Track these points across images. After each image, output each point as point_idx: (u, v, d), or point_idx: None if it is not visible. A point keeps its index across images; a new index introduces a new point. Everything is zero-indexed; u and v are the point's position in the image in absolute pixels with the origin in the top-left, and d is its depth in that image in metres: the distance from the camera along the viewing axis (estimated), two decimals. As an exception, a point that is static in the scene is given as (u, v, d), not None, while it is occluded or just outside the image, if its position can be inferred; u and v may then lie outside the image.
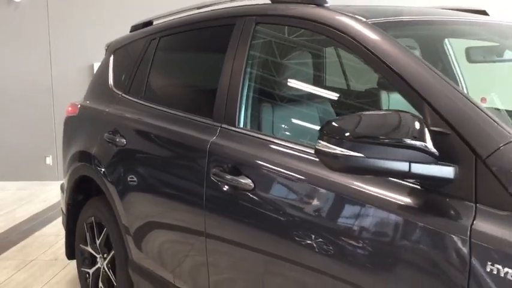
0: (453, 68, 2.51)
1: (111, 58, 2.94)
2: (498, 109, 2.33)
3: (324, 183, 1.49)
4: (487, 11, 2.40)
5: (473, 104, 1.28)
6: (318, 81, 2.07)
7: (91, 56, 5.43)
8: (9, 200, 5.38)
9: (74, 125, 3.01)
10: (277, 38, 2.05)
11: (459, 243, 1.16)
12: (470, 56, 2.23)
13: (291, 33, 1.99)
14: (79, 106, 2.99)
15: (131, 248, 2.44)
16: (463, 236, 1.15)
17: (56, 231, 4.32)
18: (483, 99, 2.68)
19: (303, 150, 1.61)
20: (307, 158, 1.57)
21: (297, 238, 1.55)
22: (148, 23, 2.83)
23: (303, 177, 1.57)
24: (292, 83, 2.05)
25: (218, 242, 1.89)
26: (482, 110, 1.27)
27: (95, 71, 3.47)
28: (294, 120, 1.95)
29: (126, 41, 2.89)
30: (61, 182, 3.28)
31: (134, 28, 2.93)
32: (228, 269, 1.89)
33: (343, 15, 1.67)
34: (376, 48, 1.50)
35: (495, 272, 1.09)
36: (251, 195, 1.71)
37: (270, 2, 1.99)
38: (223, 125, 1.93)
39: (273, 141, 1.75)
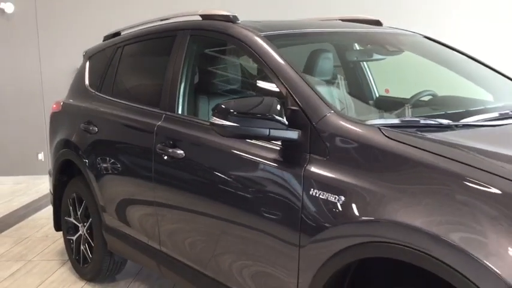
0: (363, 67, 3.16)
1: (87, 63, 3.57)
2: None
3: (225, 148, 2.12)
4: (380, 21, 3.03)
5: (313, 90, 1.91)
6: (236, 78, 2.70)
7: (77, 61, 6.00)
8: (7, 192, 5.98)
9: (58, 119, 3.63)
10: (205, 46, 2.69)
11: (298, 179, 1.79)
12: (346, 56, 2.85)
13: (216, 42, 2.63)
14: (62, 103, 3.62)
15: (104, 216, 3.07)
16: (299, 174, 1.79)
17: (46, 215, 4.90)
18: (386, 90, 3.33)
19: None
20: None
21: (214, 192, 2.19)
22: (117, 34, 3.45)
23: (214, 146, 2.20)
24: (218, 79, 2.69)
25: (163, 202, 2.51)
26: (318, 95, 1.89)
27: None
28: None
29: (99, 48, 3.52)
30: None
31: (106, 38, 3.55)
32: (171, 226, 2.51)
33: (245, 29, 2.29)
34: (261, 53, 2.13)
35: (314, 194, 1.72)
36: (182, 162, 2.35)
37: (201, 18, 2.62)
38: (167, 112, 2.56)
39: (198, 122, 2.39)
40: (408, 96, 2.56)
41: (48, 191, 5.73)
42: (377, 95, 3.19)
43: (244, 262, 2.10)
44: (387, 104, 2.96)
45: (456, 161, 1.48)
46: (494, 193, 1.35)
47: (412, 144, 1.59)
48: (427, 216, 1.42)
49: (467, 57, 2.79)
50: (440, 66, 2.84)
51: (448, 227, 1.37)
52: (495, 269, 1.25)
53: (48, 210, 4.99)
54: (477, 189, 1.38)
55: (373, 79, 3.25)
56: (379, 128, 1.70)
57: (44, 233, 4.44)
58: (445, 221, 1.39)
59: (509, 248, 1.26)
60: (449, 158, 1.50)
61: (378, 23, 3.01)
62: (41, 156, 6.57)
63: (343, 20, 3.07)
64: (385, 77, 3.39)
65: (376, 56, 2.81)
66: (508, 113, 2.07)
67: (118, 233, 2.97)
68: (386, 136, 1.64)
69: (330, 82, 2.40)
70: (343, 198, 1.63)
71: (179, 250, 2.50)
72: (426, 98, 2.56)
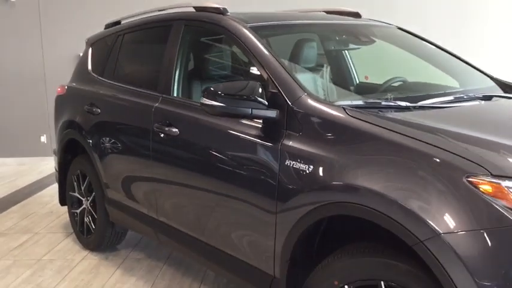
0: (345, 56, 3.44)
1: (90, 49, 3.83)
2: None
3: (214, 126, 2.41)
4: (359, 13, 3.30)
5: (290, 75, 2.19)
6: (226, 64, 2.98)
7: (77, 47, 6.26)
8: (12, 172, 6.27)
9: (62, 102, 3.90)
10: (198, 35, 2.96)
11: (275, 152, 2.08)
12: (325, 46, 3.12)
13: (208, 32, 2.90)
14: (66, 87, 3.89)
15: (107, 190, 3.36)
16: (277, 148, 2.07)
17: (50, 194, 5.19)
18: (366, 77, 3.61)
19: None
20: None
21: (205, 165, 2.48)
22: (117, 22, 3.72)
23: (205, 124, 2.48)
24: (209, 65, 2.97)
25: (160, 175, 2.81)
26: (294, 79, 2.17)
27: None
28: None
29: (101, 36, 3.78)
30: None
31: (107, 26, 3.81)
32: (168, 197, 2.80)
33: (233, 21, 2.56)
34: (246, 42, 2.41)
35: (288, 164, 2.01)
36: (177, 140, 2.64)
37: (194, 10, 2.89)
38: (163, 95, 2.84)
39: (191, 103, 2.67)
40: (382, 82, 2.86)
41: (51, 171, 6.07)
42: (357, 81, 3.48)
43: (232, 228, 2.40)
44: (364, 89, 3.24)
45: (407, 136, 1.76)
46: (438, 163, 1.63)
47: (370, 121, 1.88)
48: (391, 187, 1.70)
49: (437, 47, 3.07)
50: (413, 55, 3.12)
51: (404, 193, 1.65)
52: (435, 227, 1.54)
53: (52, 189, 5.29)
54: (424, 160, 1.65)
55: (354, 67, 3.53)
56: (343, 108, 1.98)
57: (49, 209, 4.74)
58: (399, 187, 1.67)
59: (446, 214, 1.55)
60: (401, 134, 1.79)
61: (357, 15, 3.28)
62: (43, 138, 6.84)
63: (326, 12, 3.35)
64: (364, 64, 3.67)
65: (351, 46, 3.09)
66: (462, 97, 2.37)
67: (119, 205, 3.27)
68: (349, 115, 1.93)
69: (312, 69, 2.67)
70: (312, 167, 1.93)
71: (174, 218, 2.80)
72: (397, 84, 2.85)
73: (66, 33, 6.53)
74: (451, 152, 1.62)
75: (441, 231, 1.53)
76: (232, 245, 2.40)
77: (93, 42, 3.85)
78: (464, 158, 1.59)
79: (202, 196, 2.56)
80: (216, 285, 3.08)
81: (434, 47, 3.06)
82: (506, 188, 1.49)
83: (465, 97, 2.37)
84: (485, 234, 1.49)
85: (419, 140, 1.71)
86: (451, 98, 2.32)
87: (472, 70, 2.96)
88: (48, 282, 3.19)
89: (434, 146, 1.67)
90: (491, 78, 2.86)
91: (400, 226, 1.63)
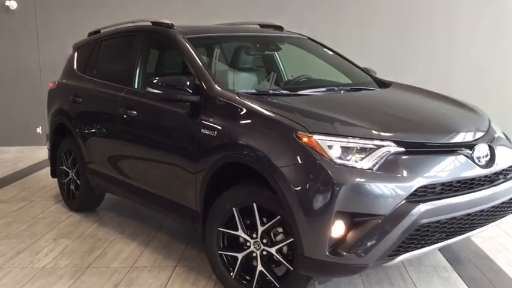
0: (275, 59, 4.42)
1: (76, 52, 4.81)
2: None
3: (159, 108, 3.38)
4: (283, 26, 4.28)
5: (208, 72, 3.16)
6: (171, 64, 3.96)
7: (67, 51, 7.21)
8: (12, 158, 7.23)
9: (54, 94, 4.87)
10: (153, 42, 3.94)
11: (196, 124, 3.04)
12: (247, 51, 4.07)
13: (159, 40, 3.88)
14: (57, 82, 4.86)
15: (87, 162, 4.32)
16: (197, 121, 3.04)
17: (45, 173, 6.11)
18: (292, 76, 4.58)
19: (155, 95, 3.48)
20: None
21: (154, 137, 3.46)
22: (97, 31, 4.69)
23: (153, 107, 3.45)
24: (160, 65, 3.95)
25: (125, 147, 3.77)
26: (210, 75, 3.14)
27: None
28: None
29: (84, 42, 4.75)
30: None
31: (89, 34, 4.78)
32: (131, 164, 3.78)
33: (175, 33, 3.54)
34: (182, 48, 3.39)
35: (203, 132, 2.98)
36: (135, 119, 3.61)
37: (151, 24, 3.86)
38: (127, 87, 3.81)
39: (144, 93, 3.64)
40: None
41: (45, 158, 7.00)
42: (286, 79, 4.46)
43: (171, 182, 3.38)
44: (288, 83, 4.21)
45: (269, 110, 2.74)
46: (282, 125, 2.60)
47: (250, 102, 2.85)
48: (256, 141, 2.68)
49: (337, 54, 4.06)
50: (319, 59, 4.10)
51: (262, 144, 2.63)
52: (276, 164, 2.52)
53: (46, 171, 6.22)
54: (275, 124, 2.63)
55: (284, 67, 4.52)
56: (237, 93, 2.96)
57: (43, 184, 5.70)
58: (261, 142, 2.65)
59: (283, 156, 2.52)
60: (266, 109, 2.75)
61: (280, 28, 4.27)
62: (39, 129, 7.81)
63: (260, 25, 4.34)
64: (288, 65, 4.64)
65: (266, 52, 4.09)
66: (334, 88, 3.36)
67: (96, 172, 4.23)
68: (239, 97, 2.91)
69: (240, 68, 3.66)
70: (216, 132, 2.90)
71: (136, 179, 3.77)
72: (303, 80, 3.85)
73: (58, 39, 7.51)
74: (290, 119, 2.61)
75: (279, 166, 2.50)
76: (170, 192, 3.38)
77: (78, 47, 4.82)
78: (295, 122, 2.57)
79: (152, 161, 3.53)
80: (170, 231, 4.06)
81: (334, 53, 4.05)
82: (315, 139, 2.47)
83: (336, 89, 3.36)
84: (303, 167, 2.46)
85: (275, 113, 2.70)
86: (324, 89, 3.31)
87: (360, 71, 3.95)
88: (41, 231, 4.16)
89: (281, 115, 2.65)
90: (371, 76, 3.85)
91: (261, 166, 2.60)
